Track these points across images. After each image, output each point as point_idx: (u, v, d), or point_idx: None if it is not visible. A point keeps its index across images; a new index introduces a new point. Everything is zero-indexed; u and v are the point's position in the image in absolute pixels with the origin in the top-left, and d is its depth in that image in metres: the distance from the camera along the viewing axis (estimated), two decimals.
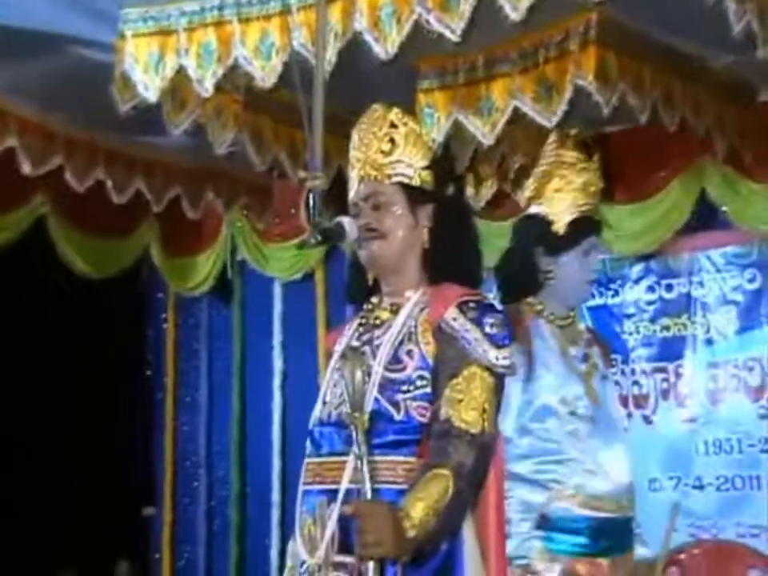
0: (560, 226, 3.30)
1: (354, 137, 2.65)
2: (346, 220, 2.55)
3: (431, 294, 2.55)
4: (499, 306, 2.64)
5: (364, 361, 2.41)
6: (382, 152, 2.58)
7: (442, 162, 5.06)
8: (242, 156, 5.38)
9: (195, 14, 4.29)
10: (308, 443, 2.58)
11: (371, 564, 2.25)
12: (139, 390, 7.39)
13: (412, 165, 2.59)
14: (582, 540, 3.20)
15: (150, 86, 4.46)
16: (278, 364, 6.94)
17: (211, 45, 4.30)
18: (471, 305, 2.48)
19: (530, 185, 3.41)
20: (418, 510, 2.25)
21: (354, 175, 2.62)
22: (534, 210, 3.37)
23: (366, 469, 2.28)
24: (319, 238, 2.54)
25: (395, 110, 2.63)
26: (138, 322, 7.46)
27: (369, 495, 2.27)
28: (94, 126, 5.62)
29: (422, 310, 2.53)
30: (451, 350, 2.45)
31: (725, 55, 4.73)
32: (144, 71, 4.45)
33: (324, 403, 2.56)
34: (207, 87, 4.39)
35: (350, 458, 2.38)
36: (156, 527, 7.37)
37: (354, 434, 2.31)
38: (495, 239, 6.13)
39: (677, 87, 4.64)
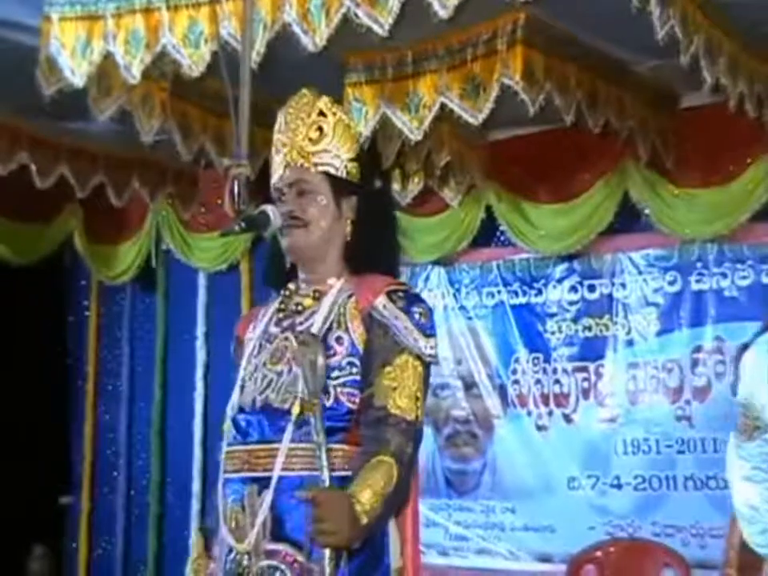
0: None
1: (280, 119, 2.62)
2: (270, 208, 2.53)
3: (356, 283, 2.54)
4: (424, 297, 2.64)
5: (324, 348, 2.37)
6: (310, 139, 2.56)
7: (368, 156, 5.06)
8: (169, 145, 5.33)
9: None
10: (228, 431, 2.53)
11: (327, 551, 2.24)
12: (59, 378, 7.32)
13: (339, 156, 2.57)
14: None
15: (76, 71, 4.39)
16: (200, 355, 6.92)
17: (139, 32, 4.25)
18: (400, 294, 2.49)
19: None
20: (368, 497, 2.27)
21: (278, 159, 2.59)
22: None
23: (324, 456, 2.26)
24: (243, 225, 2.52)
25: (324, 98, 2.61)
26: (60, 309, 7.40)
27: (327, 483, 2.25)
28: (18, 109, 5.52)
29: (349, 297, 2.52)
30: (382, 337, 2.45)
31: (649, 60, 4.78)
32: (71, 56, 4.38)
33: (242, 390, 2.53)
34: (134, 74, 4.34)
35: (282, 446, 2.38)
36: (73, 516, 7.31)
37: (313, 421, 2.28)
38: (421, 235, 6.20)
39: (601, 89, 4.68)
